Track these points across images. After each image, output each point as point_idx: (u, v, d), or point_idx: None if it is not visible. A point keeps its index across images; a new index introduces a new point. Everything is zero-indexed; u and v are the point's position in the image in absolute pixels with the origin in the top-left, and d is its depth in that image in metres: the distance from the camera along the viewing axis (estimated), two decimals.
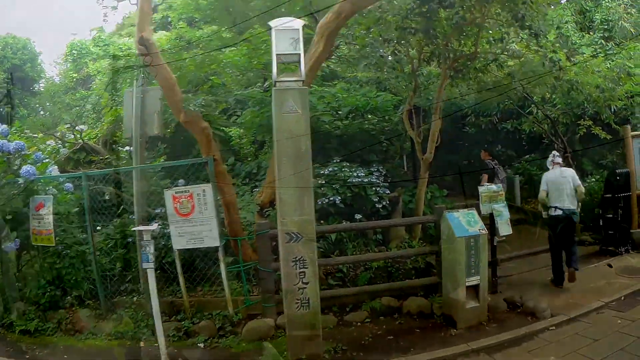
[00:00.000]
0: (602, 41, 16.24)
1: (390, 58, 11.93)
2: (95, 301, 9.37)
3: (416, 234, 11.19)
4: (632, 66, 13.31)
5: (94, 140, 14.27)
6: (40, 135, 13.52)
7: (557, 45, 12.62)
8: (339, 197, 10.48)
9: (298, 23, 6.95)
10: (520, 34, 11.00)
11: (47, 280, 9.37)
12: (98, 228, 10.25)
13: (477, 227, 8.23)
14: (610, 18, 17.06)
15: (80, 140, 13.30)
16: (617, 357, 6.63)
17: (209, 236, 8.43)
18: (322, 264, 8.83)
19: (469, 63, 10.95)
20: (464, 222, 8.23)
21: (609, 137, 13.76)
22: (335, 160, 11.57)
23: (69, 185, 10.09)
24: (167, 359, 7.18)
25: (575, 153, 14.34)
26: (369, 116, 12.76)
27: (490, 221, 9.30)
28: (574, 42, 16.00)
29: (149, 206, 9.93)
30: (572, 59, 12.57)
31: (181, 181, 9.70)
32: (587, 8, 17.77)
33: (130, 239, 9.71)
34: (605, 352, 6.74)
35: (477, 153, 15.31)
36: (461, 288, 7.97)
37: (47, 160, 10.66)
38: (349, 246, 10.29)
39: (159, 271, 8.59)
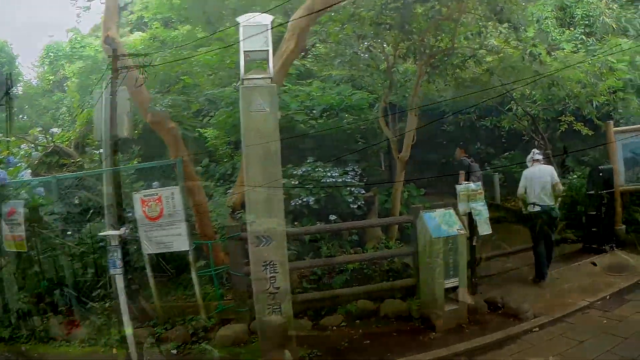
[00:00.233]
0: (583, 37, 16.14)
1: (365, 55, 11.76)
2: (69, 307, 9.13)
3: (393, 235, 11.10)
4: (615, 61, 13.20)
5: (67, 143, 14.04)
6: (13, 138, 13.27)
7: (538, 40, 12.48)
8: (312, 198, 10.40)
9: (267, 19, 6.89)
10: (499, 28, 10.86)
11: (19, 287, 9.19)
12: (68, 233, 10.03)
13: (455, 227, 8.11)
14: (591, 14, 16.95)
15: (52, 144, 13.07)
16: (604, 359, 6.49)
17: (179, 240, 8.29)
18: (295, 268, 8.74)
19: (446, 59, 10.83)
20: (441, 222, 8.10)
21: (591, 133, 13.76)
22: (309, 160, 11.47)
23: (40, 189, 9.98)
24: None
25: (557, 150, 14.24)
26: (345, 115, 12.58)
27: (469, 220, 9.12)
28: (554, 38, 15.87)
29: (123, 210, 9.71)
30: (553, 54, 12.42)
31: (155, 184, 9.52)
32: (568, 4, 17.66)
33: (102, 244, 9.45)
34: (591, 354, 6.64)
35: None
36: (439, 290, 7.84)
37: (19, 164, 10.47)
38: (323, 248, 10.14)
39: (130, 276, 8.40)
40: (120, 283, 7.04)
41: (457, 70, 11.25)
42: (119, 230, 7.43)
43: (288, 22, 9.83)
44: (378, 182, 13.00)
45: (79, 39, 25.89)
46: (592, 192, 11.29)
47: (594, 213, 11.19)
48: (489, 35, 11.14)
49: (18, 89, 30.18)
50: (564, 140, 15.03)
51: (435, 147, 17.34)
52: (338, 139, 12.15)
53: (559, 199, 9.84)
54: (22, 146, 13.25)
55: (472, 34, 11.04)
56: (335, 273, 9.66)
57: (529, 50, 10.86)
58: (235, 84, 13.48)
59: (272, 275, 6.67)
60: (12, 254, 9.29)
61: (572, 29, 16.89)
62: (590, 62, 12.58)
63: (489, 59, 11.81)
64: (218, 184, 12.65)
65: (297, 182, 10.62)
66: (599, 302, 8.36)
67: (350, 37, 11.13)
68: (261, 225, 6.60)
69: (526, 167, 10.11)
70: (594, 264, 10.25)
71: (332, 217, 10.53)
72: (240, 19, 6.84)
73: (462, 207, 9.08)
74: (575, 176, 13.26)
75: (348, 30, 10.92)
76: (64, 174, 11.25)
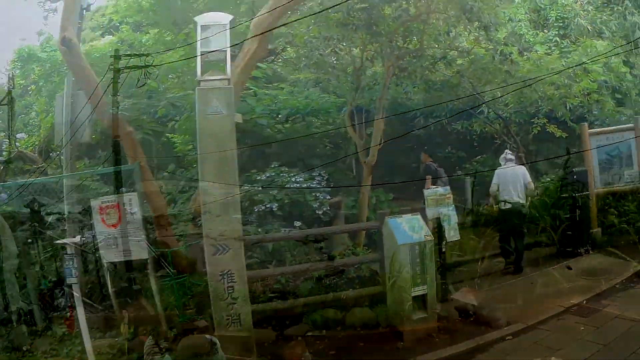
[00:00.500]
0: (557, 39, 16.10)
1: (332, 58, 11.58)
2: (32, 317, 8.86)
3: (360, 241, 10.95)
4: (589, 62, 13.12)
5: (31, 148, 13.74)
6: None
7: (510, 41, 12.40)
8: (276, 204, 10.21)
9: (226, 18, 6.73)
10: (469, 28, 10.73)
11: None
12: (29, 241, 9.69)
13: (422, 233, 7.89)
14: (565, 15, 16.94)
15: (15, 149, 12.77)
16: None
17: (137, 248, 7.92)
18: (256, 276, 8.56)
19: (415, 61, 10.64)
20: (407, 228, 7.88)
21: (564, 135, 13.67)
22: (273, 165, 11.33)
23: (3, 195, 9.83)
24: None
25: (529, 152, 14.16)
26: (313, 119, 12.40)
27: (437, 226, 8.97)
28: (527, 40, 15.80)
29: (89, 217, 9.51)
30: (525, 54, 12.34)
31: (122, 189, 9.26)
32: (542, 6, 17.63)
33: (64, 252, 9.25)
34: None
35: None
36: (406, 298, 7.59)
37: None
38: (287, 255, 9.97)
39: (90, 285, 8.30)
40: (77, 293, 6.90)
41: (427, 72, 11.13)
42: (74, 238, 7.22)
43: (250, 20, 9.66)
44: (343, 186, 12.85)
45: (50, 42, 25.59)
46: (565, 195, 11.19)
47: (568, 216, 11.07)
48: (459, 35, 11.03)
49: None
50: (536, 143, 14.93)
51: (405, 151, 17.16)
52: (305, 144, 11.97)
53: (529, 198, 10.09)
54: None
55: (440, 34, 10.90)
56: (300, 281, 9.45)
57: (499, 49, 10.75)
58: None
59: (229, 285, 6.57)
60: None
61: (546, 31, 16.85)
62: (563, 64, 12.52)
63: (459, 61, 11.69)
64: (184, 189, 12.44)
65: (260, 188, 10.46)
66: (575, 308, 8.16)
67: (316, 38, 10.95)
68: (217, 233, 6.38)
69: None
70: (569, 268, 10.10)
71: (297, 224, 10.38)
72: (198, 19, 6.69)
73: (431, 212, 8.93)
74: (549, 179, 13.17)
75: (314, 32, 10.74)
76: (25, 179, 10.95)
